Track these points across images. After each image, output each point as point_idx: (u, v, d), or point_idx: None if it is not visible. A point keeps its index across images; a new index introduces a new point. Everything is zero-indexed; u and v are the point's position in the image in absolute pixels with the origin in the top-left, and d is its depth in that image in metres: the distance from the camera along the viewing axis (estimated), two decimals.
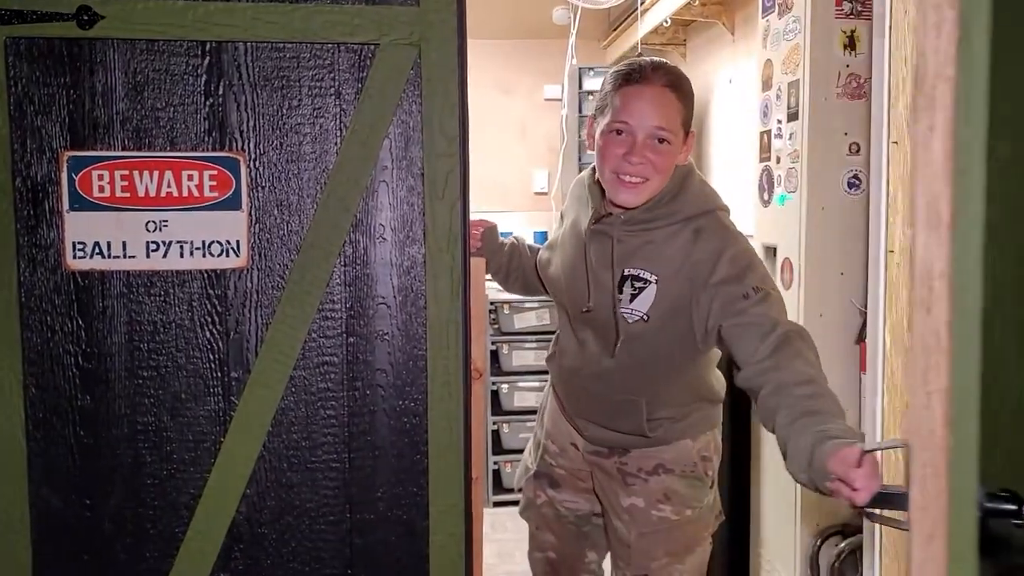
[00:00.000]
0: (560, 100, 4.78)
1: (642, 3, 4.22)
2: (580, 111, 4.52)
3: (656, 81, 1.33)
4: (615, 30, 4.97)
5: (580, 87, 4.49)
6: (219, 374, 1.48)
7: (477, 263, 1.78)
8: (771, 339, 1.28)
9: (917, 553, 0.78)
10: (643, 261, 1.43)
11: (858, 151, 1.97)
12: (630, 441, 1.58)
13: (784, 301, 1.34)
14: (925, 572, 0.75)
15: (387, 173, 1.50)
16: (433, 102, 1.49)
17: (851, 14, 1.94)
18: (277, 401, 1.49)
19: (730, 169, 3.96)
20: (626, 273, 1.45)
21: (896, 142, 1.22)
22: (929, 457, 0.81)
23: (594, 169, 1.54)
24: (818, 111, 1.96)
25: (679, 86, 1.35)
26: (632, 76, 1.35)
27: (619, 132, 1.35)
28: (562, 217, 1.68)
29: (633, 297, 1.44)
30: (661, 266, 1.42)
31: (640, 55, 4.49)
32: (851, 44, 1.94)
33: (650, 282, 1.42)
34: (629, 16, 4.57)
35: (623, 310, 1.47)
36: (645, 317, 1.44)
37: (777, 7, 2.12)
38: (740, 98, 3.85)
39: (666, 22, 4.11)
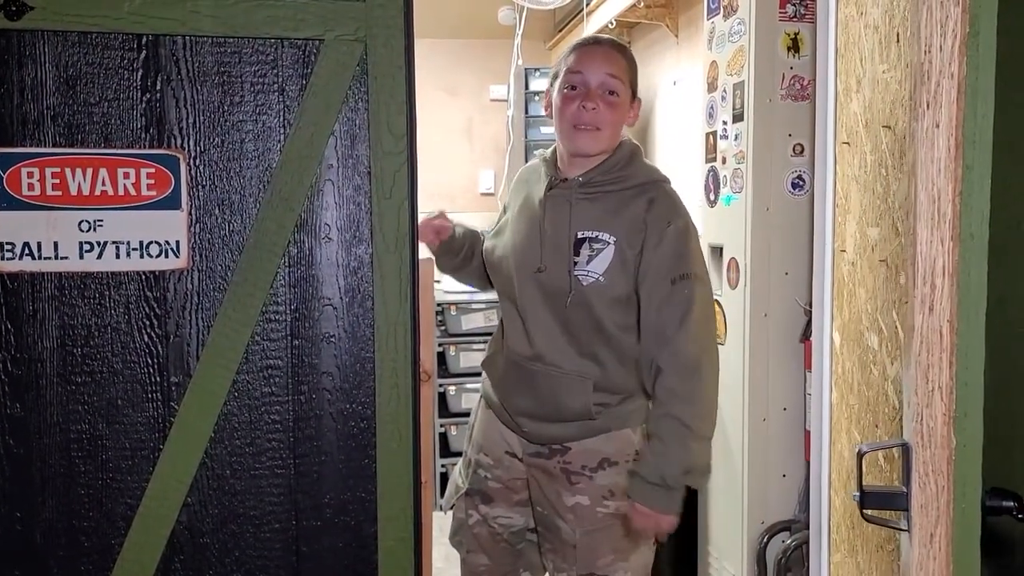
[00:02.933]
0: (506, 100, 4.78)
1: (587, 4, 4.25)
2: (526, 111, 4.53)
3: (604, 43, 1.52)
4: (560, 31, 4.99)
5: (526, 88, 4.50)
6: (158, 379, 1.43)
7: (426, 264, 1.77)
8: (669, 348, 1.49)
9: (917, 552, 0.78)
10: (601, 224, 1.51)
11: (802, 152, 2.02)
12: (573, 431, 1.58)
13: (710, 282, 1.52)
14: (926, 571, 0.76)
15: (333, 172, 1.47)
16: (380, 99, 1.48)
17: (795, 16, 1.99)
18: (219, 406, 1.45)
19: (675, 171, 3.99)
20: (582, 236, 1.51)
21: (847, 143, 1.24)
22: (929, 455, 0.81)
23: (542, 158, 1.65)
24: (762, 112, 2.00)
25: (624, 50, 1.53)
26: (585, 41, 1.53)
27: (573, 87, 1.47)
28: (505, 209, 1.69)
29: (590, 259, 1.50)
30: (618, 228, 1.51)
31: None
32: (795, 46, 1.99)
33: (608, 243, 1.50)
34: (574, 17, 4.59)
35: (579, 272, 1.52)
36: (601, 278, 1.50)
37: (722, 9, 2.16)
38: (685, 100, 3.90)
39: (611, 24, 4.14)
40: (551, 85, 1.54)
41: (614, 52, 1.50)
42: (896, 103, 1.03)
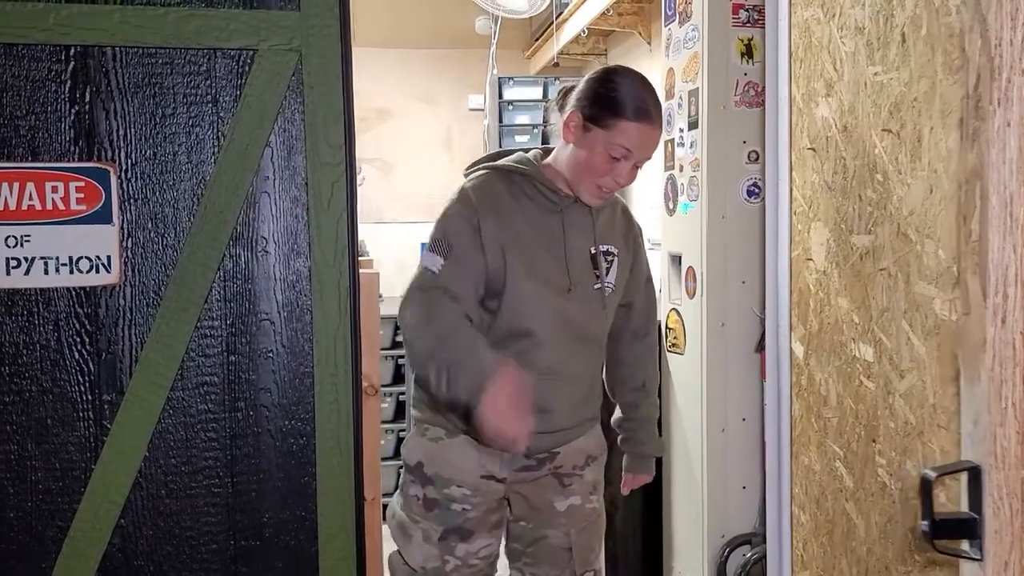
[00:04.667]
0: (483, 110, 4.78)
1: (559, 14, 4.25)
2: (501, 120, 4.53)
3: (658, 123, 1.49)
4: (537, 39, 5.00)
5: (500, 96, 4.50)
6: (89, 397, 1.41)
7: (368, 277, 1.75)
8: (647, 339, 1.71)
9: None
10: (609, 237, 1.59)
11: (757, 159, 2.01)
12: (574, 432, 1.62)
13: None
14: None
15: (269, 183, 1.46)
16: (316, 110, 1.47)
17: (748, 22, 1.98)
18: (153, 424, 1.43)
19: (652, 182, 4.00)
20: (596, 250, 1.57)
21: (813, 148, 1.22)
22: (1004, 478, 0.77)
23: (518, 171, 1.54)
24: (717, 119, 1.99)
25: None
26: (647, 114, 1.47)
27: (616, 157, 1.46)
28: (477, 230, 1.49)
29: (607, 271, 1.58)
30: (618, 240, 1.61)
31: (557, 64, 4.53)
32: (748, 52, 1.98)
33: (615, 254, 1.60)
34: (549, 26, 4.60)
35: (605, 283, 1.58)
36: (615, 288, 1.60)
37: (678, 16, 2.15)
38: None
39: (584, 32, 4.15)
40: (585, 115, 1.48)
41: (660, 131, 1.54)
42: (901, 105, 1.01)
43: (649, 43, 4.12)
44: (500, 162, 1.57)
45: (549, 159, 1.57)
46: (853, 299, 1.13)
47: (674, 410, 2.25)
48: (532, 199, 1.53)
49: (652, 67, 4.10)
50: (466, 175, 1.60)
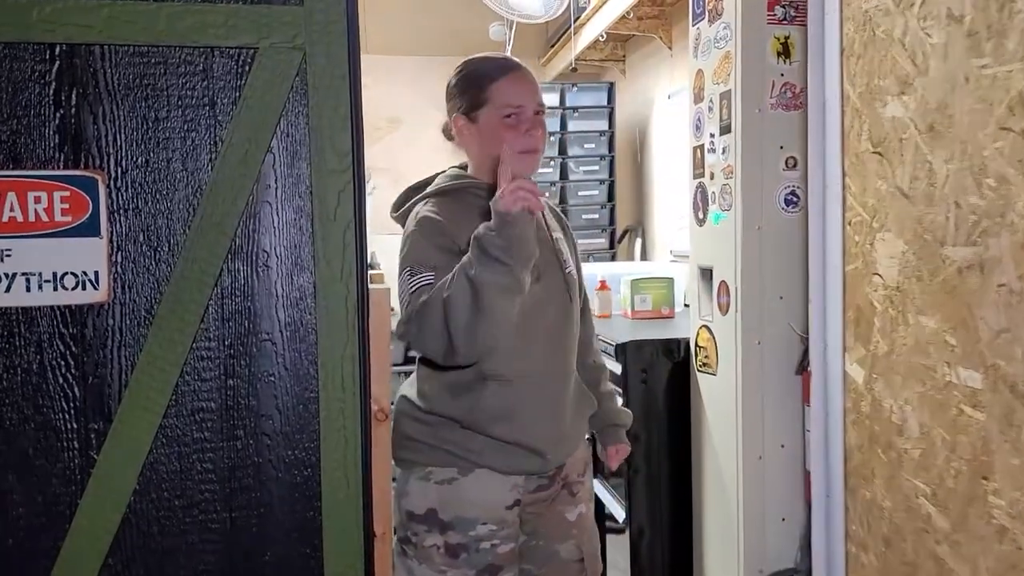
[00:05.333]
0: None
1: (577, 18, 4.15)
2: None
3: (523, 67, 1.53)
4: (553, 46, 4.90)
5: None
6: (75, 426, 1.31)
7: (378, 293, 1.64)
8: (589, 316, 1.77)
9: None
10: (548, 221, 1.62)
11: (795, 165, 1.89)
12: (576, 442, 1.64)
13: None
14: None
15: (270, 193, 1.36)
16: (322, 113, 1.37)
17: (784, 19, 1.86)
18: (145, 455, 1.33)
19: (674, 189, 3.89)
20: (554, 235, 1.60)
21: (879, 152, 1.10)
22: None
23: (456, 186, 1.56)
24: (751, 123, 1.88)
25: None
26: (507, 65, 1.52)
27: (508, 116, 1.48)
28: (453, 245, 1.48)
29: (562, 252, 1.60)
30: (568, 239, 1.67)
31: (575, 70, 4.44)
32: (785, 51, 1.86)
33: (568, 253, 1.63)
34: (565, 31, 4.50)
35: (567, 267, 1.59)
36: (574, 269, 1.62)
37: (707, 14, 2.04)
38: (680, 113, 3.79)
39: (602, 36, 4.05)
40: (464, 111, 1.54)
41: (534, 78, 1.57)
42: None
43: (670, 47, 4.02)
44: (432, 188, 1.57)
45: (471, 170, 1.59)
46: (945, 318, 1.00)
47: (705, 434, 2.12)
48: (483, 206, 1.47)
49: (673, 72, 4.00)
50: (401, 211, 1.61)
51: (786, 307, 1.91)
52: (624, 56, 4.80)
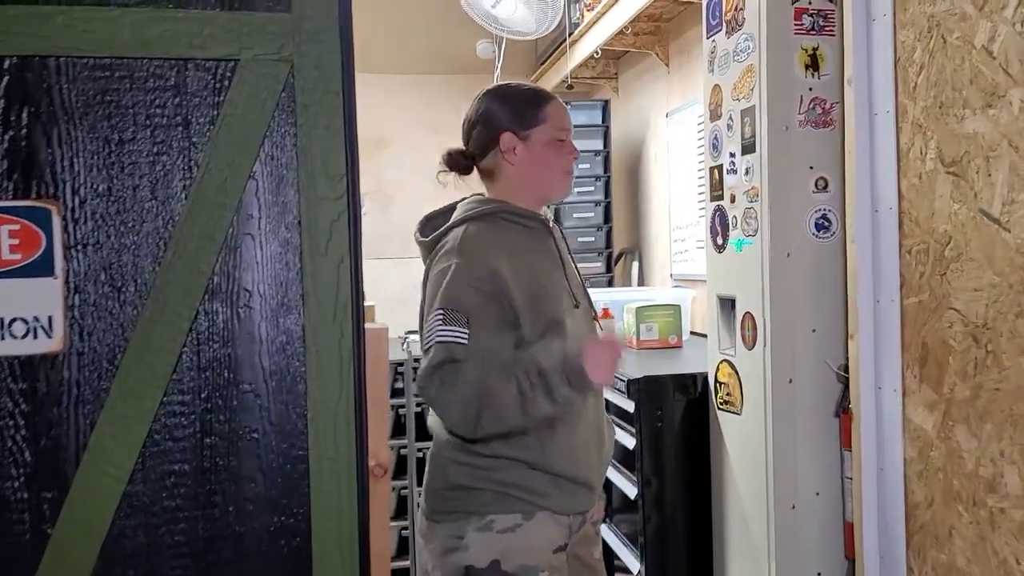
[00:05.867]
0: None
1: (570, 34, 4.04)
2: None
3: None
4: (543, 63, 4.79)
5: None
6: (25, 495, 1.16)
7: (375, 333, 1.48)
8: None
9: None
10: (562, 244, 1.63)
11: (826, 187, 1.75)
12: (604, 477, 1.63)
13: None
14: None
15: (253, 224, 1.22)
16: (312, 133, 1.23)
17: (813, 29, 1.73)
18: (106, 528, 1.18)
19: (671, 210, 3.77)
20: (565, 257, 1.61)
21: (954, 172, 0.97)
22: None
23: (493, 211, 1.53)
24: (778, 142, 1.74)
25: None
26: (550, 93, 1.59)
27: (561, 140, 1.54)
28: (494, 283, 1.41)
29: (581, 278, 1.63)
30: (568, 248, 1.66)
31: (570, 87, 4.32)
32: (814, 64, 1.73)
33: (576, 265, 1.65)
34: (557, 47, 4.39)
35: (588, 292, 1.64)
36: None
37: (724, 24, 1.91)
38: (678, 134, 3.68)
39: (597, 53, 3.93)
40: (516, 132, 1.54)
41: None
42: None
43: (667, 64, 3.90)
44: (468, 212, 1.53)
45: (498, 194, 1.56)
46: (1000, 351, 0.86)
47: (729, 479, 1.97)
48: (523, 232, 1.53)
49: (671, 89, 3.88)
50: (434, 235, 1.55)
51: (820, 341, 1.76)
52: (616, 74, 4.69)
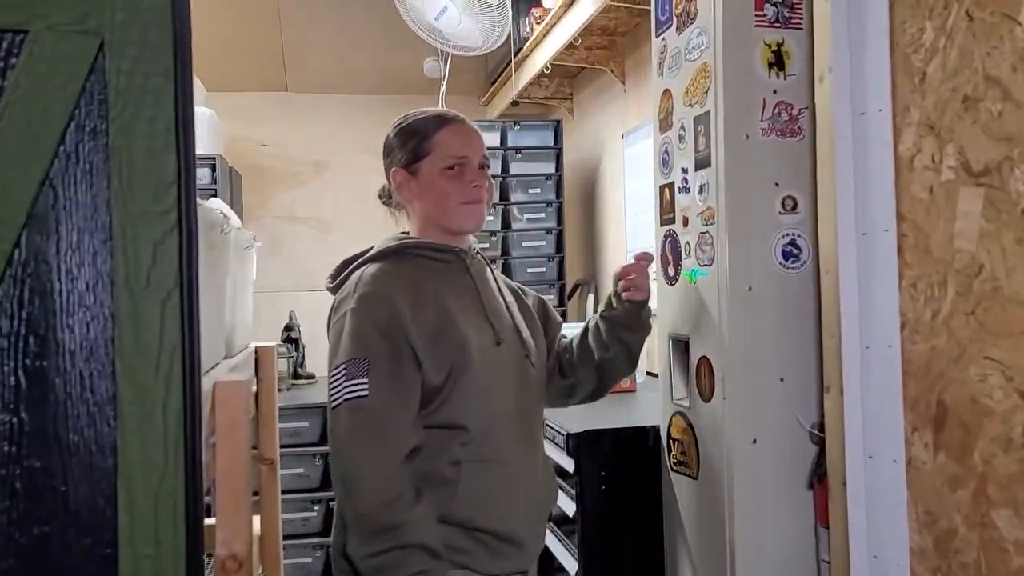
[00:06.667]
0: None
1: (519, 49, 3.82)
2: None
3: (464, 120, 1.54)
4: (493, 83, 4.58)
5: None
6: None
7: (230, 388, 1.19)
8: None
9: None
10: (499, 283, 1.60)
11: (795, 208, 1.51)
12: (544, 534, 1.54)
13: None
14: None
15: (48, 246, 0.94)
16: (132, 128, 0.98)
17: (776, 21, 1.50)
18: None
19: (630, 239, 3.54)
20: (505, 297, 1.58)
21: (987, 183, 0.73)
22: None
23: (402, 247, 1.49)
24: (737, 154, 1.50)
25: None
26: (449, 116, 1.53)
27: (452, 167, 1.48)
28: (398, 326, 1.37)
29: (516, 316, 1.56)
30: (503, 284, 1.62)
31: (515, 103, 4.10)
32: (778, 62, 1.50)
33: (512, 301, 1.59)
34: (507, 66, 4.18)
35: (522, 330, 1.54)
36: (530, 334, 1.56)
37: (675, 19, 1.68)
38: (636, 155, 3.47)
39: (547, 68, 3.72)
40: (405, 165, 1.51)
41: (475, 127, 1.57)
42: None
43: (623, 81, 3.70)
44: (376, 251, 1.50)
45: (413, 231, 1.54)
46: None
47: (683, 554, 1.70)
48: (434, 267, 1.48)
49: (627, 108, 3.68)
50: (338, 280, 1.50)
51: (789, 394, 1.51)
52: (572, 94, 4.49)
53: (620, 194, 3.73)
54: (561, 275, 3.88)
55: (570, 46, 3.51)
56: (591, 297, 4.06)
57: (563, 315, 3.93)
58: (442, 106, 4.21)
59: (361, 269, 1.46)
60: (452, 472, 1.37)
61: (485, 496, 1.39)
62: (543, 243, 3.85)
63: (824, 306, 1.30)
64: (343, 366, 1.35)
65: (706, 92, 1.54)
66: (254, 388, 1.77)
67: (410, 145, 1.50)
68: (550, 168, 3.92)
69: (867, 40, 0.98)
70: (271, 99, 4.68)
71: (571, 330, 1.78)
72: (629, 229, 3.58)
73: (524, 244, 3.80)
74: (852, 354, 1.06)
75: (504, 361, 1.46)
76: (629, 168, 3.61)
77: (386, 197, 1.60)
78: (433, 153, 1.48)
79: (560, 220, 3.89)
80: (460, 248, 1.51)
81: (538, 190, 3.86)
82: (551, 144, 3.96)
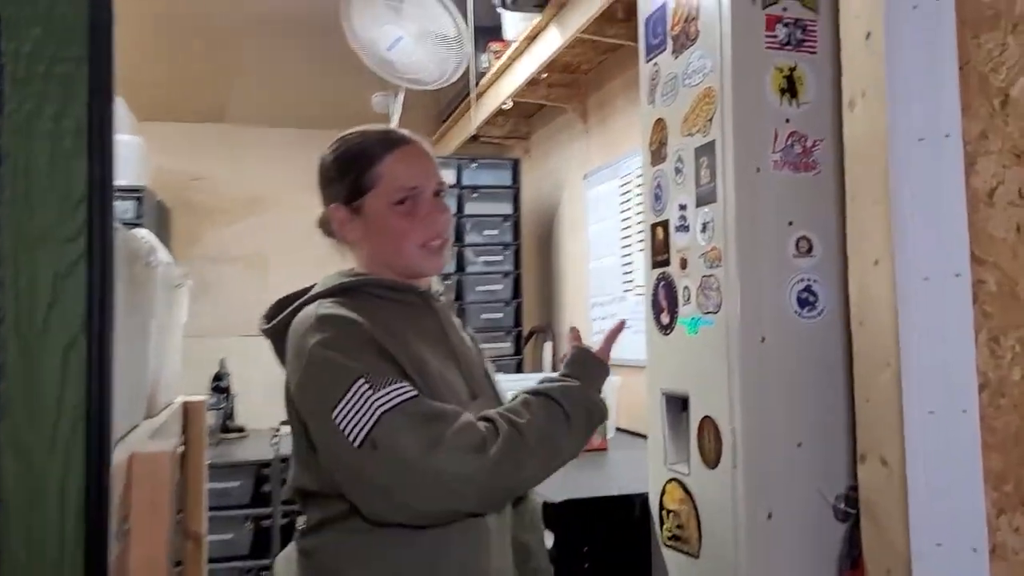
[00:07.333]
0: None
1: (477, 83, 3.69)
2: None
3: (415, 138, 1.32)
4: (445, 120, 4.44)
5: None
6: None
7: (151, 458, 0.97)
8: None
9: None
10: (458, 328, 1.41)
11: (810, 250, 1.37)
12: None
13: None
14: None
15: None
16: (31, 127, 0.80)
17: (788, 44, 1.38)
18: None
19: (593, 284, 3.39)
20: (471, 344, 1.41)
21: None
22: None
23: (355, 284, 1.28)
24: (748, 188, 1.36)
25: None
26: (395, 138, 1.30)
27: (402, 202, 1.26)
28: (384, 357, 1.15)
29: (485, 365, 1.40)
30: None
31: (476, 138, 3.96)
32: (790, 88, 1.37)
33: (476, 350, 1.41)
34: (462, 101, 4.04)
35: (494, 382, 1.38)
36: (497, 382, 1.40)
37: (671, 42, 1.54)
38: (599, 196, 3.34)
39: (506, 105, 3.59)
40: (346, 201, 1.29)
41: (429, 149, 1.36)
42: None
43: (585, 121, 3.59)
44: (323, 289, 1.27)
45: (362, 268, 1.32)
46: None
47: None
48: (397, 308, 1.27)
49: (590, 147, 3.57)
50: (277, 320, 1.28)
51: (809, 461, 1.34)
52: (528, 133, 4.37)
53: (581, 238, 3.59)
54: (518, 321, 3.71)
55: (532, 82, 3.40)
56: (548, 345, 3.89)
57: (519, 364, 3.75)
58: None
59: (314, 305, 1.24)
60: (435, 533, 1.17)
61: (472, 561, 1.20)
62: (499, 287, 3.68)
63: (858, 362, 1.16)
64: (359, 383, 1.09)
65: (710, 120, 1.40)
66: (180, 450, 1.53)
67: (351, 176, 1.28)
68: (507, 209, 3.77)
69: (930, 57, 0.86)
70: (206, 131, 4.46)
71: (514, 383, 1.63)
72: (591, 274, 3.44)
73: (479, 288, 3.63)
74: (914, 420, 0.90)
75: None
76: (591, 210, 3.48)
77: (324, 229, 1.37)
78: (379, 186, 1.26)
79: (518, 263, 3.73)
80: (419, 289, 1.32)
81: (495, 231, 3.70)
82: (509, 183, 3.82)
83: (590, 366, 1.24)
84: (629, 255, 3.04)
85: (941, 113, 0.91)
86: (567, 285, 3.81)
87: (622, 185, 3.12)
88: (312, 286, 1.32)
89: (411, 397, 1.08)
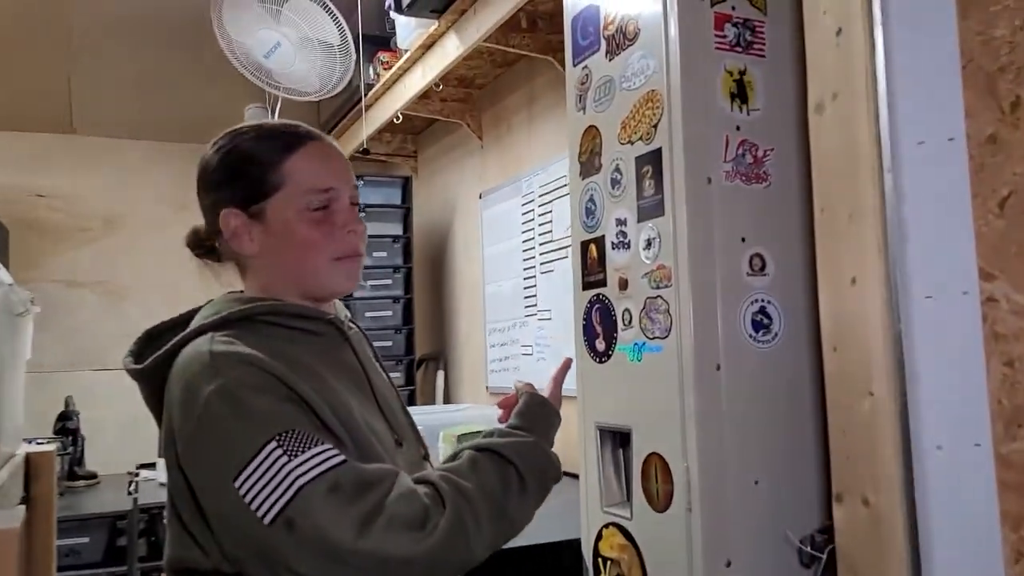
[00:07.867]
0: None
1: (364, 95, 3.52)
2: None
3: (324, 136, 1.16)
4: (330, 132, 4.23)
5: None
6: None
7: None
8: None
9: None
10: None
11: (763, 268, 1.28)
12: None
13: None
14: None
15: None
16: None
17: (738, 45, 1.29)
18: None
19: (489, 308, 3.27)
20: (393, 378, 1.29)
21: None
22: None
23: (254, 311, 1.09)
24: (700, 202, 1.26)
25: None
26: (299, 133, 1.14)
27: (316, 208, 1.10)
28: (299, 407, 0.97)
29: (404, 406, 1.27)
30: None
31: (366, 151, 3.77)
32: (740, 93, 1.29)
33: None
34: (346, 115, 3.86)
35: (415, 425, 1.26)
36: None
37: (603, 42, 1.44)
38: (496, 217, 3.23)
39: (397, 119, 3.43)
40: (241, 206, 1.11)
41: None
42: None
43: (480, 136, 3.47)
44: (209, 320, 1.07)
45: (258, 290, 1.14)
46: None
47: None
48: (304, 341, 1.10)
49: (486, 165, 3.45)
50: (153, 359, 1.07)
51: (770, 501, 1.25)
52: (416, 152, 4.22)
53: (476, 260, 3.46)
54: (410, 349, 3.53)
55: (424, 95, 3.26)
56: (440, 374, 3.73)
57: (410, 396, 3.56)
58: None
59: (203, 339, 1.05)
60: None
61: None
62: (389, 313, 3.50)
63: (831, 390, 1.07)
64: (270, 447, 0.92)
65: (655, 126, 1.30)
66: (23, 516, 1.28)
67: (248, 177, 1.12)
68: (397, 229, 3.61)
69: (928, 53, 0.78)
70: (53, 142, 4.08)
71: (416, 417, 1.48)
72: (488, 298, 3.31)
73: (368, 314, 3.43)
74: (918, 457, 0.82)
75: (405, 468, 1.07)
76: (487, 231, 3.36)
77: (198, 245, 1.19)
78: (286, 187, 1.10)
79: (409, 287, 3.56)
80: (330, 315, 1.15)
81: (384, 253, 3.53)
82: (399, 203, 3.66)
83: (543, 416, 1.10)
84: (532, 277, 2.93)
85: (941, 115, 0.83)
86: (461, 310, 3.66)
87: (524, 204, 3.02)
88: (192, 312, 1.13)
89: (336, 465, 0.91)
